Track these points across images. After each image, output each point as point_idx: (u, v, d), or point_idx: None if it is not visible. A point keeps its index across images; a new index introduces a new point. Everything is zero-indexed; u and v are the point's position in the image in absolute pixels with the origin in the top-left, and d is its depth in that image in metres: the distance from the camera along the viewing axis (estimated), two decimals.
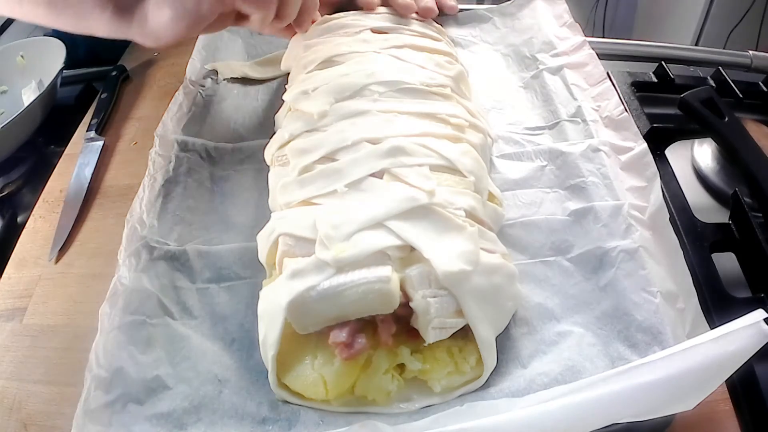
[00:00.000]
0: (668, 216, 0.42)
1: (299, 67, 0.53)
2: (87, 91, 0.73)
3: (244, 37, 0.70)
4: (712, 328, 0.33)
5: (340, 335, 0.35)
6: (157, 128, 0.56)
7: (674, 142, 0.57)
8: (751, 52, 0.69)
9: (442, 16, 0.66)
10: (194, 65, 0.65)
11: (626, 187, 0.45)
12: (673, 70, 0.63)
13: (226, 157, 0.55)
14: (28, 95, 0.70)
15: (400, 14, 0.56)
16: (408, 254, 0.37)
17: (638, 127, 0.49)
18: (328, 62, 0.50)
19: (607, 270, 0.41)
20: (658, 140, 0.55)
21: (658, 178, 0.45)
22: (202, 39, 0.68)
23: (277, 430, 0.35)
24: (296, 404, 0.37)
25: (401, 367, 0.37)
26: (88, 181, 0.58)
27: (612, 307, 0.39)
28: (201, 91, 0.62)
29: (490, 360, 0.36)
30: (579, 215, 0.45)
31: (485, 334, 0.36)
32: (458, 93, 0.49)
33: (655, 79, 0.63)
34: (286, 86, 0.53)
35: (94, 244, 0.52)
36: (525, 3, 0.68)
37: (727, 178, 0.53)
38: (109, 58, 0.77)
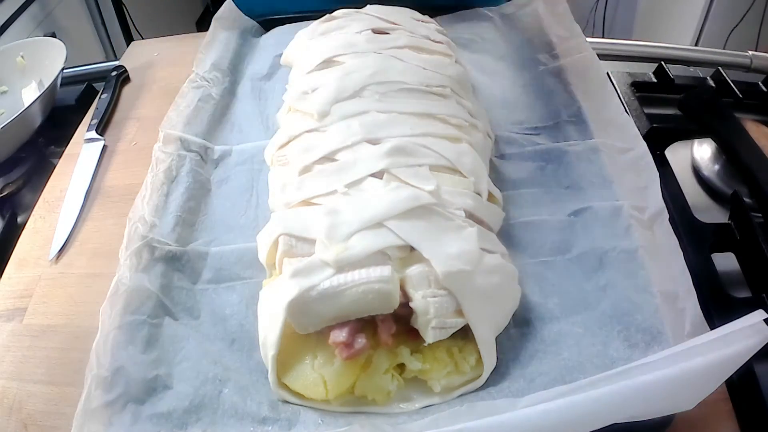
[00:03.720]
0: (668, 216, 0.43)
1: (299, 67, 0.53)
2: (87, 91, 0.73)
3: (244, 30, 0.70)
4: (712, 328, 0.33)
5: (340, 335, 0.35)
6: (162, 123, 0.56)
7: (674, 142, 0.57)
8: (751, 52, 0.69)
9: (443, 17, 0.66)
10: (202, 60, 0.65)
11: (626, 188, 0.45)
12: (673, 70, 0.63)
13: (227, 159, 0.55)
14: (28, 95, 0.70)
15: None
16: (408, 254, 0.37)
17: (638, 127, 0.49)
18: (328, 62, 0.50)
19: (607, 270, 0.41)
20: (658, 140, 0.55)
21: (658, 178, 0.45)
22: (206, 36, 0.68)
23: (277, 430, 0.35)
24: (296, 404, 0.37)
25: (401, 367, 0.37)
26: (88, 181, 0.58)
27: (612, 307, 0.39)
28: (207, 85, 0.61)
29: (490, 360, 0.36)
30: (579, 215, 0.45)
31: (485, 334, 0.36)
32: (458, 93, 0.49)
33: (655, 80, 0.63)
34: (287, 86, 0.53)
35: (94, 244, 0.52)
36: (525, 3, 0.68)
37: (727, 178, 0.53)
38: None
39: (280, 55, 0.63)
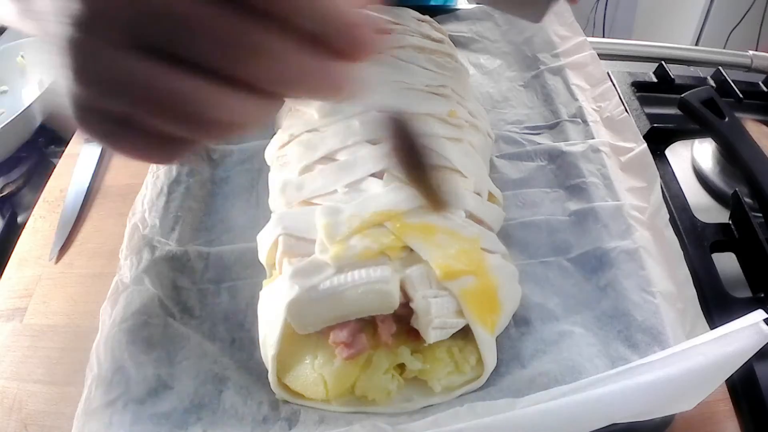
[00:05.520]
0: (668, 216, 0.42)
1: None
2: None
3: None
4: (712, 328, 0.33)
5: (341, 335, 0.35)
6: None
7: (674, 142, 0.57)
8: (751, 52, 0.69)
9: (443, 15, 0.66)
10: None
11: (626, 188, 0.45)
12: (673, 70, 0.63)
13: (227, 158, 0.55)
14: (28, 95, 0.70)
15: None
16: (408, 254, 0.37)
17: (638, 127, 0.49)
18: None
19: (606, 270, 0.41)
20: (658, 140, 0.55)
21: (658, 178, 0.45)
22: None
23: (277, 430, 0.35)
24: (296, 404, 0.37)
25: (401, 367, 0.37)
26: (89, 181, 0.58)
27: (612, 307, 0.39)
28: None
29: (490, 360, 0.36)
30: (579, 215, 0.45)
31: (485, 334, 0.36)
32: (458, 93, 0.49)
33: (655, 79, 0.63)
34: None
35: (94, 244, 0.52)
36: None
37: (727, 178, 0.53)
38: None
39: None
